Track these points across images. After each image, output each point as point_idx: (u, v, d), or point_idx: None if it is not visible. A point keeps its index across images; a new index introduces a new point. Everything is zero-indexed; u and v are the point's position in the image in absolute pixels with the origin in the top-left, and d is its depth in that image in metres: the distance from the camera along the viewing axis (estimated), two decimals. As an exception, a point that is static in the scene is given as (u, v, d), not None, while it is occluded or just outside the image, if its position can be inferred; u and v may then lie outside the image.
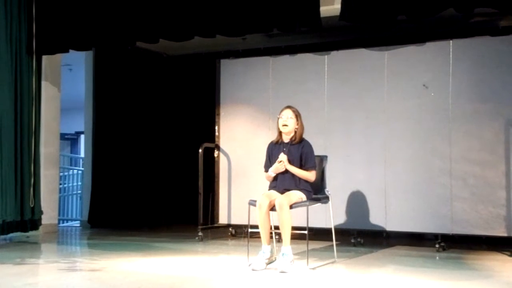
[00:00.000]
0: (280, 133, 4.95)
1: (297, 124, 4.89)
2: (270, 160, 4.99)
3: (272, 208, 4.71)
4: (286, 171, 4.84)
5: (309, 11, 5.64)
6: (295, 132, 4.90)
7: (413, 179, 6.06)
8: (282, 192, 4.80)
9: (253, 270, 4.60)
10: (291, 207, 4.66)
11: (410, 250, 5.91)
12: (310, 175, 4.86)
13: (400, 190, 6.11)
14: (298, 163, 4.85)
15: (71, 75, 9.55)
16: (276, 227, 4.89)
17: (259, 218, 4.69)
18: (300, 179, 4.84)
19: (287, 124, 4.87)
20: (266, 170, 4.99)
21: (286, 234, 4.59)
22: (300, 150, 4.87)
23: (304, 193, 4.83)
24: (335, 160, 6.05)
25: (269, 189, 4.94)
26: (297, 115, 4.91)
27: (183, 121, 8.69)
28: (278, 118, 4.94)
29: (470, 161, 5.84)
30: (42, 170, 6.90)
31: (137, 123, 8.36)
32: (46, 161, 7.07)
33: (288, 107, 4.96)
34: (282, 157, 4.83)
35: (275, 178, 4.92)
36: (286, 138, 4.94)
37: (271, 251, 4.73)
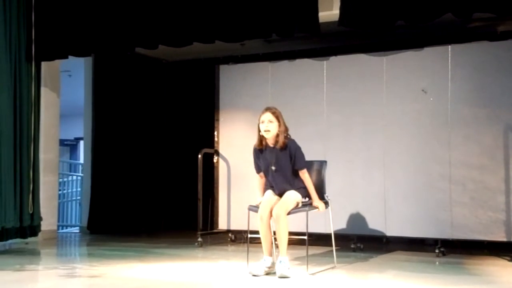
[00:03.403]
0: (261, 138, 4.79)
1: (279, 126, 4.73)
2: (259, 164, 4.87)
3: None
4: (277, 172, 4.75)
5: (308, 16, 5.65)
6: (278, 135, 4.73)
7: (413, 184, 6.06)
8: (280, 193, 4.75)
9: (251, 274, 4.57)
10: (290, 212, 4.64)
11: (410, 255, 5.91)
12: (309, 179, 4.81)
13: (400, 195, 6.11)
14: (290, 166, 4.75)
15: (70, 81, 9.55)
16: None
17: (260, 229, 4.64)
18: (295, 180, 4.77)
19: (269, 129, 4.71)
20: (258, 171, 4.90)
21: (283, 244, 4.55)
22: (288, 154, 4.74)
23: (301, 192, 4.76)
24: (335, 165, 6.04)
25: (266, 190, 4.85)
26: (278, 116, 4.73)
27: (182, 126, 8.68)
28: (259, 124, 4.76)
29: (469, 166, 5.84)
30: (41, 176, 6.89)
31: (136, 129, 8.36)
32: (45, 167, 7.07)
33: (267, 109, 4.78)
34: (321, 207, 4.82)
35: (269, 179, 4.82)
36: (270, 141, 4.79)
37: (272, 263, 4.67)
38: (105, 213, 7.95)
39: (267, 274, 4.62)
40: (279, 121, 4.73)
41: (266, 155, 4.80)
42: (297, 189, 4.78)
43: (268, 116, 4.72)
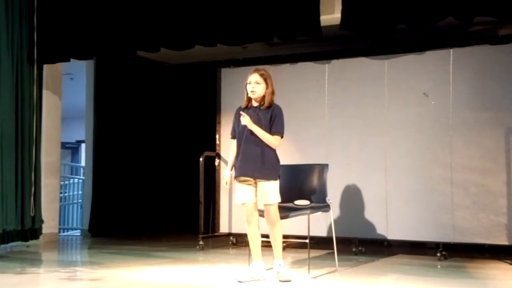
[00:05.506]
0: (249, 98, 4.65)
1: (267, 88, 4.54)
2: (236, 126, 4.68)
3: (261, 215, 4.58)
4: (249, 158, 4.51)
5: (309, 20, 5.66)
6: (264, 96, 4.58)
7: (414, 188, 6.06)
8: (250, 175, 4.51)
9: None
10: (287, 216, 4.59)
11: (412, 258, 5.90)
12: (273, 140, 4.49)
13: (401, 199, 6.10)
14: (268, 129, 4.54)
15: (72, 84, 9.56)
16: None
17: (249, 233, 4.56)
18: (264, 161, 4.49)
19: (255, 90, 4.56)
20: (233, 136, 4.70)
21: (278, 248, 4.52)
22: (269, 114, 4.55)
23: (272, 176, 4.51)
24: (336, 169, 6.04)
25: (235, 176, 4.59)
26: (266, 79, 4.54)
27: (183, 129, 8.69)
28: (246, 84, 4.62)
29: (471, 170, 5.84)
30: (42, 179, 6.90)
31: (137, 132, 8.36)
32: (46, 170, 7.07)
33: (256, 70, 4.60)
34: (245, 119, 4.50)
35: (242, 143, 4.57)
36: (255, 103, 4.64)
37: (262, 268, 4.56)
38: (106, 216, 7.95)
39: (255, 280, 4.50)
40: (266, 83, 4.58)
41: (248, 113, 4.58)
42: (267, 174, 4.49)
43: (255, 77, 4.58)
